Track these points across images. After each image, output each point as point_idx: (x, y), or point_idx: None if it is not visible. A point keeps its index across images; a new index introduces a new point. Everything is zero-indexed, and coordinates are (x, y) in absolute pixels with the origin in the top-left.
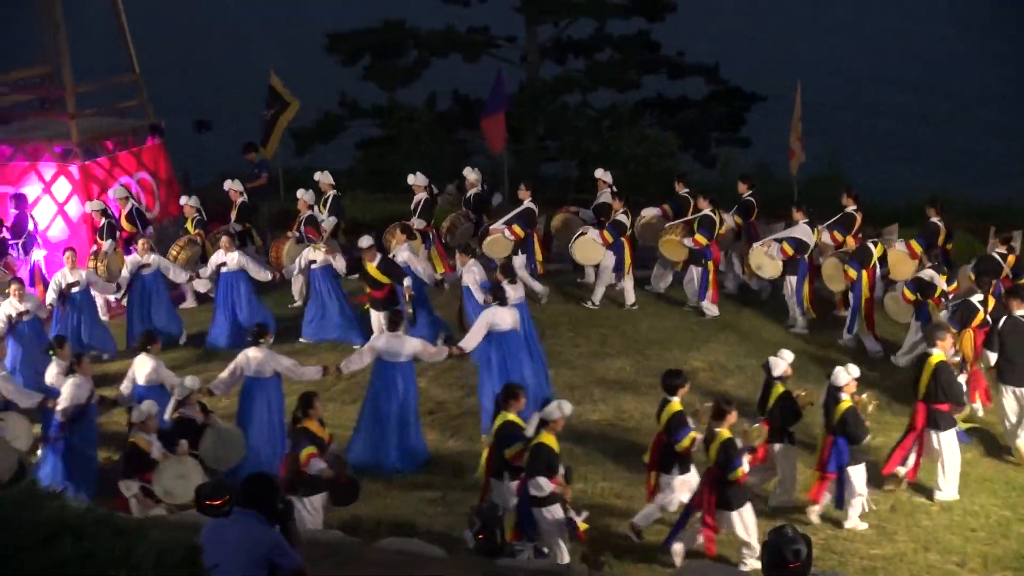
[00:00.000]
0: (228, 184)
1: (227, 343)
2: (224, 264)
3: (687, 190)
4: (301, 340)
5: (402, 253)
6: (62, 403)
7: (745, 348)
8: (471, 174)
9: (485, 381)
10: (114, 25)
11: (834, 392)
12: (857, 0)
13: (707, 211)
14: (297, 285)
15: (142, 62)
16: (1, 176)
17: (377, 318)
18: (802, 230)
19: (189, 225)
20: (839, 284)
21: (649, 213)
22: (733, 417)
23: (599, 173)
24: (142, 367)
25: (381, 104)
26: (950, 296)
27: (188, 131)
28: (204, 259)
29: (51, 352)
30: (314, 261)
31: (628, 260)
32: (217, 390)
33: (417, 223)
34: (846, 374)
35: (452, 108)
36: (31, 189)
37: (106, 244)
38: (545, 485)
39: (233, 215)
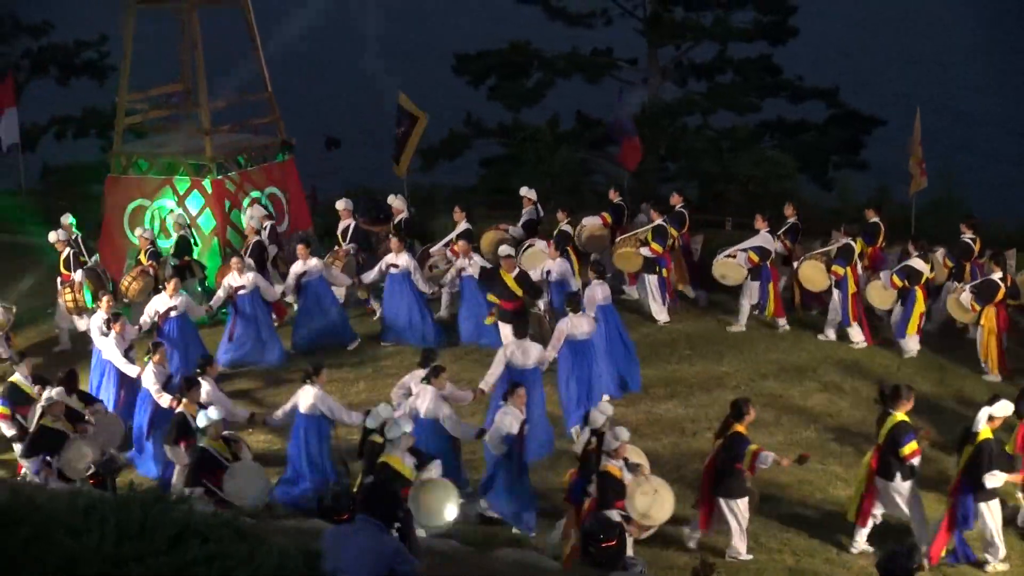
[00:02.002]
0: (340, 204)
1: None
2: (304, 274)
3: (620, 198)
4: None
5: (557, 266)
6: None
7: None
8: (395, 201)
9: (565, 387)
10: (249, 46)
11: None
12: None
13: (660, 221)
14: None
15: (275, 80)
16: (138, 189)
17: (506, 330)
18: (764, 238)
19: (142, 256)
20: (821, 284)
21: (590, 223)
22: (909, 404)
23: (524, 191)
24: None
25: (505, 123)
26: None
27: (318, 148)
28: (157, 290)
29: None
30: (395, 265)
31: (577, 268)
32: (272, 422)
33: (348, 247)
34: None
35: (574, 128)
36: (165, 203)
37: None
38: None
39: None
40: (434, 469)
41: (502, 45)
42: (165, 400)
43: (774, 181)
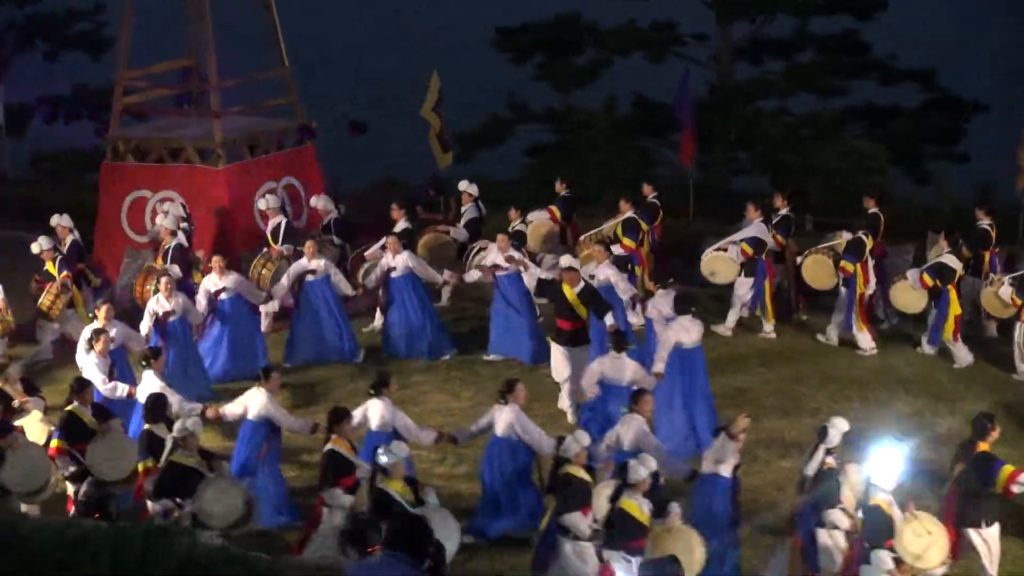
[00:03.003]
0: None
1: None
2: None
3: (567, 191)
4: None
5: (603, 271)
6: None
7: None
8: (319, 201)
9: (668, 404)
10: (264, 16)
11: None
12: None
13: (630, 214)
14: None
15: (293, 57)
16: (139, 178)
17: (559, 354)
18: (758, 228)
19: (51, 267)
20: (826, 282)
21: (538, 218)
22: (995, 434)
23: (463, 185)
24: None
25: (554, 107)
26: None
27: (341, 133)
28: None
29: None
30: (394, 268)
31: None
32: None
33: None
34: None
35: (633, 113)
36: (169, 192)
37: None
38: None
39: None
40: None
41: (548, 17)
42: (120, 388)
43: (862, 174)
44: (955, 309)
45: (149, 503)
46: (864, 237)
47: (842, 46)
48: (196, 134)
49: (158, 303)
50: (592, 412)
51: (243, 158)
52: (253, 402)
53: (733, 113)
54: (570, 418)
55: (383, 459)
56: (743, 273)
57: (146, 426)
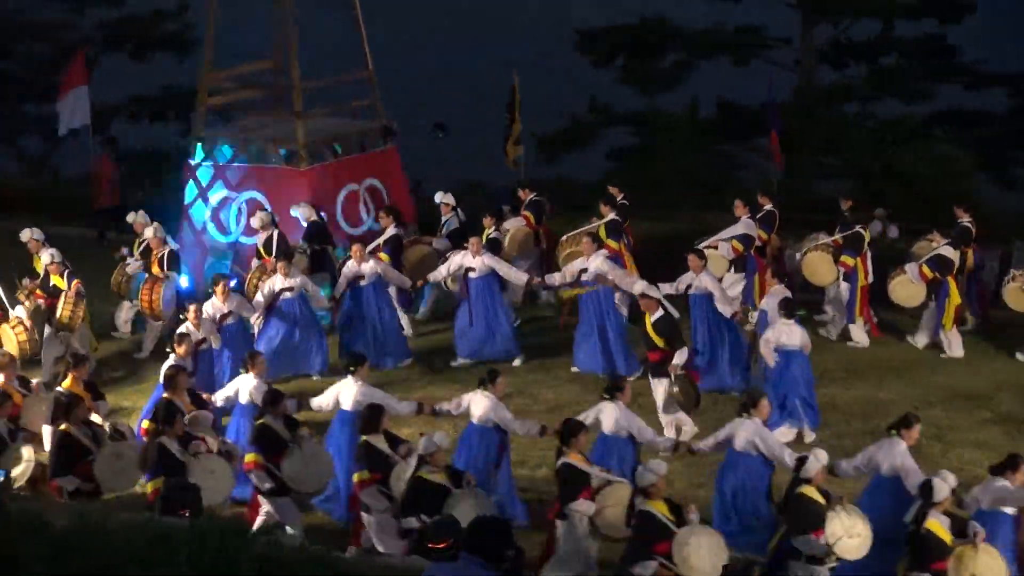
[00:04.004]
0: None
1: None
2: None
3: (534, 195)
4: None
5: (594, 263)
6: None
7: None
8: (298, 210)
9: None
10: (348, 18)
11: None
12: None
13: (612, 216)
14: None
15: (376, 58)
16: (222, 179)
17: (658, 391)
18: (746, 224)
19: (57, 280)
20: (827, 277)
21: (514, 225)
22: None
23: (439, 196)
24: (348, 391)
25: (637, 110)
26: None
27: (424, 134)
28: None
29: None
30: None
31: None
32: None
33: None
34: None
35: (717, 116)
36: (251, 194)
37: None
38: None
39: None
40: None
41: (632, 20)
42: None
43: (947, 180)
44: (955, 299)
45: (364, 515)
46: (862, 231)
47: (928, 50)
48: (279, 135)
49: (213, 305)
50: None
51: (326, 159)
52: (477, 405)
53: (817, 117)
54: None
55: (645, 478)
56: (733, 269)
57: (364, 438)
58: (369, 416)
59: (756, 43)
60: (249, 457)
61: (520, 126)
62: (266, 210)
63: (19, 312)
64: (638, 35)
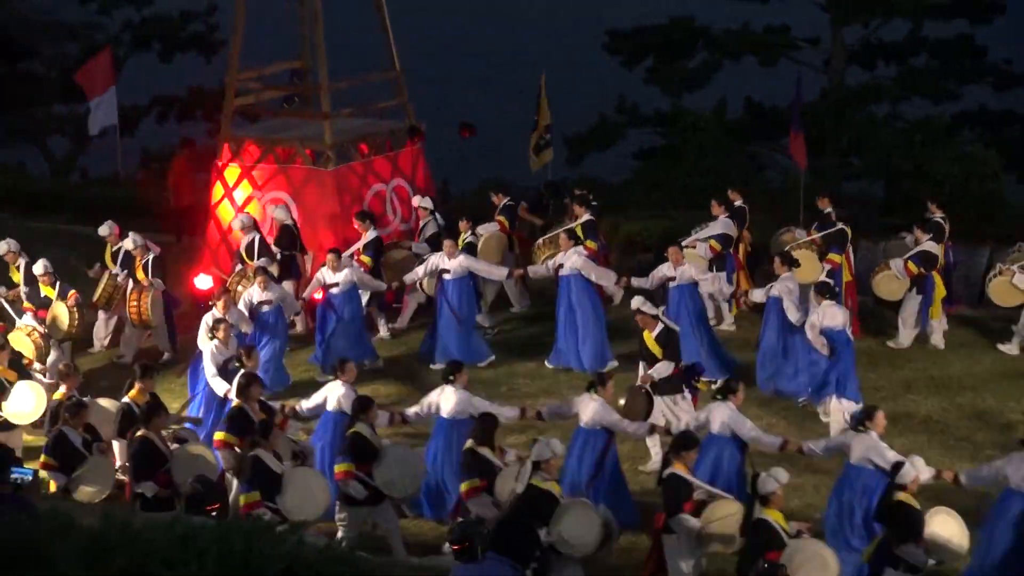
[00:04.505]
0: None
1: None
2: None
3: (508, 199)
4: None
5: (571, 259)
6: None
7: None
8: (237, 223)
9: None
10: (375, 18)
11: None
12: None
13: (588, 216)
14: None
15: (404, 58)
16: (249, 179)
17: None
18: (724, 224)
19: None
20: (811, 275)
21: (488, 230)
22: None
23: (417, 200)
24: (448, 398)
25: (664, 110)
26: None
27: (451, 135)
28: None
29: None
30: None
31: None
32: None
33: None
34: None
35: (743, 117)
36: (278, 194)
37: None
38: None
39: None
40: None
41: (661, 20)
42: (220, 387)
43: (975, 181)
44: (940, 292)
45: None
46: (846, 228)
47: (957, 50)
48: (306, 135)
49: (252, 294)
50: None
51: (353, 160)
52: (586, 408)
53: (845, 118)
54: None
55: (768, 485)
56: (714, 268)
57: (469, 444)
58: (483, 426)
59: (784, 43)
60: (341, 467)
61: (545, 130)
62: (246, 214)
63: (28, 320)
64: (666, 36)
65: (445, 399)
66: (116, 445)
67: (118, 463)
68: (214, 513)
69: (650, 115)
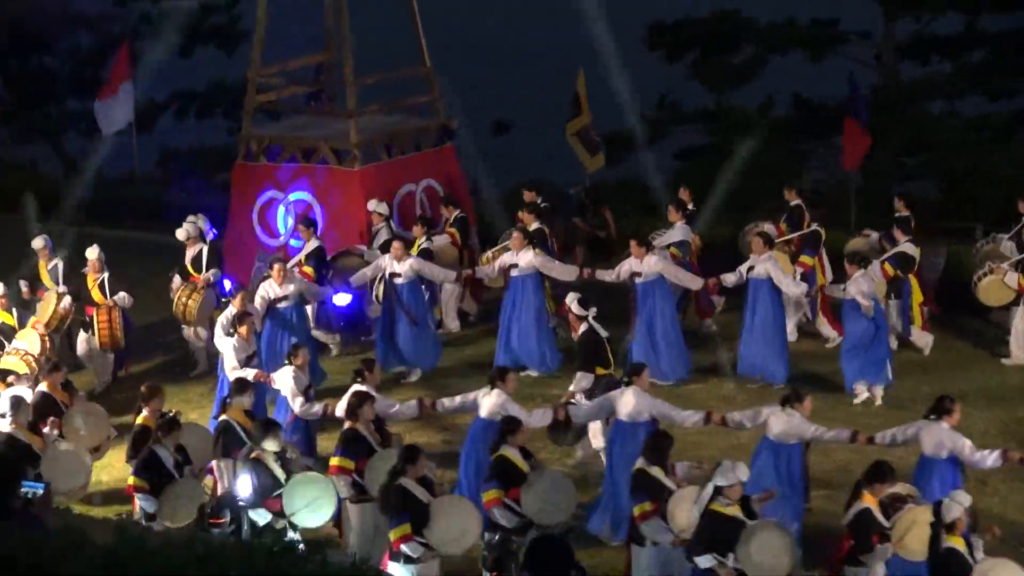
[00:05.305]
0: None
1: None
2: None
3: (459, 211)
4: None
5: (524, 258)
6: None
7: None
8: (181, 232)
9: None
10: (404, 11)
11: None
12: None
13: (537, 225)
14: None
15: (434, 53)
16: (270, 179)
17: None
18: (682, 230)
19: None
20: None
21: (438, 244)
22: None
23: (372, 205)
24: (488, 400)
25: (708, 107)
26: None
27: (485, 133)
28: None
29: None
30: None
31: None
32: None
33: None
34: None
35: (791, 114)
36: (301, 195)
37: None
38: None
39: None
40: None
41: (704, 13)
42: (247, 373)
43: None
44: (917, 297)
45: (634, 546)
46: (820, 230)
47: (1016, 44)
48: (331, 134)
49: (270, 288)
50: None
51: (380, 159)
52: (777, 421)
53: (898, 115)
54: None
55: (952, 512)
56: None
57: (639, 464)
58: (655, 444)
59: (833, 37)
60: (491, 495)
61: (590, 129)
62: (191, 223)
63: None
64: (711, 29)
65: (486, 400)
66: (216, 465)
67: (220, 488)
68: (217, 529)
69: (693, 113)
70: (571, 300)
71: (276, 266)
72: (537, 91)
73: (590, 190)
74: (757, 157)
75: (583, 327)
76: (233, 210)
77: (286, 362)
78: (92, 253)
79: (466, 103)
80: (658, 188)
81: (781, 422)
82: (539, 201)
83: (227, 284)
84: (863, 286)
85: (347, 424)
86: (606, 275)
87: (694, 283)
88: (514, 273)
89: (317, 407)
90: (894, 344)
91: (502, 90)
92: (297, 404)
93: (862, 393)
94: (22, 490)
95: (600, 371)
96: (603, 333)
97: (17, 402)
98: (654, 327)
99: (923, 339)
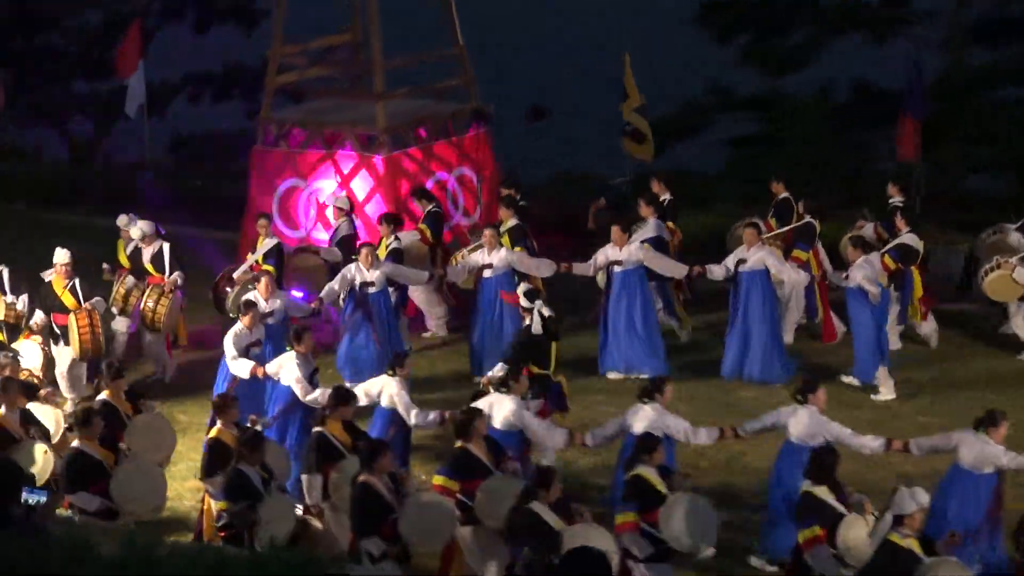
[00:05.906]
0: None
1: None
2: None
3: (432, 206)
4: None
5: (496, 255)
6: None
7: None
8: (136, 231)
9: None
10: None
11: None
12: None
13: (514, 221)
14: None
15: (468, 34)
16: (292, 166)
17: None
18: (656, 227)
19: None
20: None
21: (407, 238)
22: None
23: (332, 199)
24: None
25: (762, 93)
26: None
27: (520, 119)
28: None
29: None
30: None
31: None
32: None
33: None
34: None
35: (851, 101)
36: (326, 183)
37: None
38: None
39: None
40: None
41: None
42: (242, 369)
43: None
44: (918, 290)
45: None
46: (814, 222)
47: None
48: (358, 118)
49: (357, 272)
50: None
51: (409, 145)
52: (798, 421)
53: (968, 103)
54: None
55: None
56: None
57: (806, 486)
58: (820, 462)
59: (897, 18)
60: (624, 518)
61: (637, 116)
62: (146, 221)
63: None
64: (764, 8)
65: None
66: (306, 480)
67: (309, 500)
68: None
69: (745, 99)
70: (521, 290)
71: (364, 249)
72: (578, 74)
73: (634, 183)
74: (813, 147)
75: (526, 320)
76: (251, 198)
77: (287, 348)
78: (61, 256)
79: (501, 86)
80: (710, 178)
81: (803, 419)
82: (517, 197)
83: (297, 294)
84: (868, 271)
85: (458, 443)
86: (583, 268)
87: (678, 271)
88: (487, 273)
89: (433, 415)
90: (897, 344)
91: (539, 73)
92: (300, 390)
93: (886, 381)
94: (24, 498)
95: (535, 370)
96: (540, 331)
97: (87, 415)
98: (632, 319)
99: (928, 328)
